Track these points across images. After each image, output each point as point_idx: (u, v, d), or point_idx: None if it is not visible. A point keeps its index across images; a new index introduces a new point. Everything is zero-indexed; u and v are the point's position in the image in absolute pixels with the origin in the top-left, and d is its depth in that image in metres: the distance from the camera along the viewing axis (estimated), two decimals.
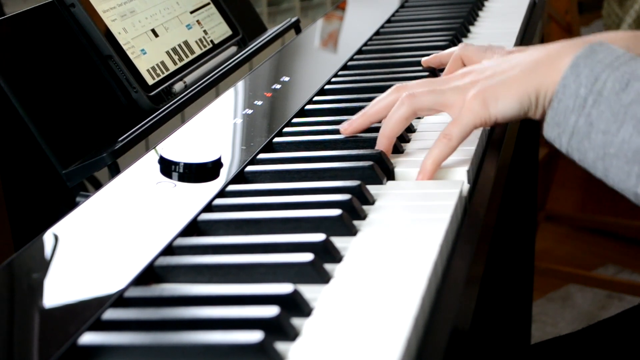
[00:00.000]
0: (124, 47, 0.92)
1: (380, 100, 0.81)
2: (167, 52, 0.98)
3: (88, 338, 0.53)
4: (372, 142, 0.81)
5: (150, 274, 0.62)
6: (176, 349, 0.51)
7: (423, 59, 1.02)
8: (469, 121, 0.74)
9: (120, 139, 0.84)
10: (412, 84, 0.80)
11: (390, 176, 0.77)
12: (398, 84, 0.81)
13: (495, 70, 0.76)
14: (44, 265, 0.62)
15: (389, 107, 0.80)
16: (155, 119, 0.88)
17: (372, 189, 0.73)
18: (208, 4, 1.10)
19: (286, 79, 1.02)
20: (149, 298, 0.58)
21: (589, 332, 0.99)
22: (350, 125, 0.82)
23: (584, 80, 0.68)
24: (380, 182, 0.74)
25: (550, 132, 0.71)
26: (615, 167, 0.67)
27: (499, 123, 0.75)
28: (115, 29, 0.92)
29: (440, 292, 0.59)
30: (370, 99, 0.94)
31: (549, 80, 0.71)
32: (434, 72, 1.02)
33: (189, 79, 0.99)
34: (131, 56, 0.92)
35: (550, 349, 1.00)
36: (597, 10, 2.75)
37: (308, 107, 0.94)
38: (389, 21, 1.34)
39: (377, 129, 0.83)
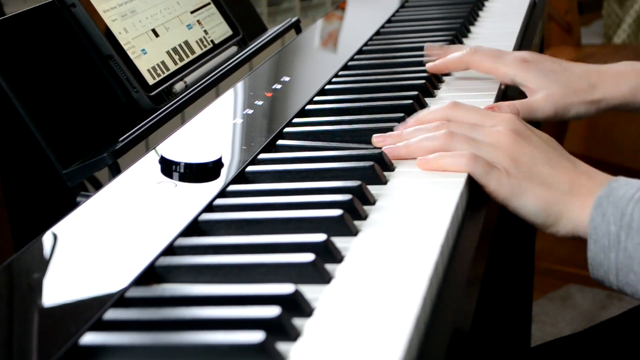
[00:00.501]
0: (125, 47, 0.92)
1: (424, 130, 0.79)
2: (168, 52, 0.98)
3: (89, 338, 0.53)
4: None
5: (151, 274, 0.62)
6: (177, 349, 0.51)
7: (429, 66, 1.01)
8: (493, 184, 0.73)
9: (120, 139, 0.84)
10: (459, 123, 0.78)
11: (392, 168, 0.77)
12: (448, 115, 0.80)
13: (536, 157, 0.75)
14: (44, 265, 0.62)
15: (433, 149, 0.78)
16: (156, 119, 0.88)
17: (373, 189, 0.72)
18: (208, 4, 1.10)
19: (286, 79, 1.02)
20: (150, 298, 0.58)
21: (589, 334, 0.99)
22: (391, 152, 0.79)
23: (611, 217, 0.70)
24: (381, 182, 0.74)
25: (596, 273, 0.72)
26: None
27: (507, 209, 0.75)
28: (115, 28, 0.92)
29: (442, 292, 0.59)
30: (370, 99, 0.95)
31: (576, 212, 0.72)
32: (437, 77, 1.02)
33: (189, 79, 0.98)
34: (132, 56, 0.92)
35: (551, 351, 1.00)
36: (597, 10, 2.75)
37: (309, 107, 0.94)
38: (389, 21, 1.34)
39: (377, 129, 0.83)
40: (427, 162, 0.75)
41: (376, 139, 0.81)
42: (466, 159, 0.74)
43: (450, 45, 1.05)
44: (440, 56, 1.01)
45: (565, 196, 0.73)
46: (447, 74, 1.04)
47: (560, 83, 0.92)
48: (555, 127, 2.21)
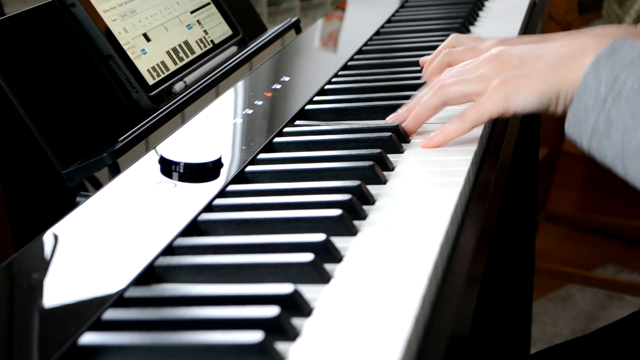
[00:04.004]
0: (124, 47, 0.92)
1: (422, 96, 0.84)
2: (168, 52, 0.98)
3: (88, 338, 0.53)
4: (372, 142, 0.81)
5: (151, 274, 0.62)
6: (176, 349, 0.51)
7: (422, 60, 1.01)
8: (487, 109, 0.77)
9: (120, 139, 0.84)
10: (449, 73, 0.83)
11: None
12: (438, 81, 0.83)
13: (522, 60, 0.77)
14: (44, 265, 0.62)
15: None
16: (156, 119, 0.88)
17: (373, 189, 0.72)
18: (208, 4, 1.10)
19: (286, 79, 1.02)
20: (149, 298, 0.58)
21: (589, 340, 0.99)
22: (406, 125, 0.84)
23: (604, 79, 0.68)
24: (380, 182, 0.74)
25: (571, 131, 0.71)
26: (634, 167, 0.67)
27: (517, 114, 0.77)
28: (115, 28, 0.92)
29: (441, 292, 0.59)
30: (370, 99, 0.95)
31: (572, 78, 0.72)
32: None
33: (189, 78, 0.99)
34: (131, 56, 0.92)
35: (550, 358, 1.00)
36: (597, 10, 2.75)
37: (308, 107, 0.94)
38: (389, 21, 1.34)
39: (378, 130, 0.84)
40: (431, 142, 0.80)
41: (391, 119, 0.86)
42: (438, 90, 0.80)
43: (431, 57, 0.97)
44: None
45: (556, 69, 0.74)
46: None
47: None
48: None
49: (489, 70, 0.78)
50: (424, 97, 0.82)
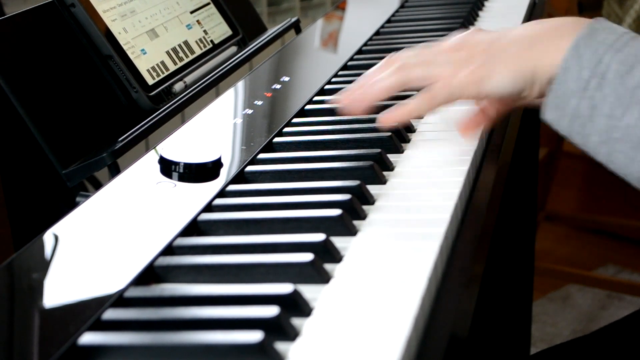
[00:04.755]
0: (124, 47, 0.92)
1: (374, 74, 0.78)
2: (167, 52, 0.98)
3: (88, 338, 0.53)
4: (372, 142, 0.81)
5: (150, 274, 0.62)
6: (176, 349, 0.51)
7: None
8: (459, 90, 0.73)
9: (120, 139, 0.84)
10: (405, 54, 0.78)
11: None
12: (391, 55, 0.79)
13: (491, 45, 0.74)
14: (44, 265, 0.62)
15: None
16: (155, 119, 0.88)
17: (372, 189, 0.73)
18: (208, 4, 1.10)
19: (286, 79, 1.02)
20: (149, 298, 0.58)
21: (588, 340, 0.99)
22: (352, 106, 0.78)
23: (586, 62, 0.67)
24: (380, 182, 0.74)
25: (549, 114, 0.69)
26: (620, 152, 0.66)
27: (490, 98, 0.74)
28: (115, 28, 0.92)
29: (440, 292, 0.59)
30: None
31: (548, 60, 0.70)
32: None
33: (189, 79, 0.99)
34: (131, 56, 0.92)
35: (550, 358, 1.00)
36: (597, 10, 2.75)
37: (308, 107, 0.94)
38: (389, 21, 1.34)
39: (379, 130, 0.83)
40: (388, 117, 0.75)
41: (339, 98, 0.79)
42: (398, 70, 0.74)
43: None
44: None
45: (530, 49, 0.71)
46: None
47: None
48: None
49: (458, 57, 0.74)
50: (379, 75, 0.76)
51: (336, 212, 0.66)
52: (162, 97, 0.93)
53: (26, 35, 0.85)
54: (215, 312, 0.55)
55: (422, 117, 0.87)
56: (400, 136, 0.83)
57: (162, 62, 0.96)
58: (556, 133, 0.72)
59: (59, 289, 0.59)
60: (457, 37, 0.77)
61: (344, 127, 0.86)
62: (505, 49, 0.73)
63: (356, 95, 0.79)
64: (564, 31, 0.70)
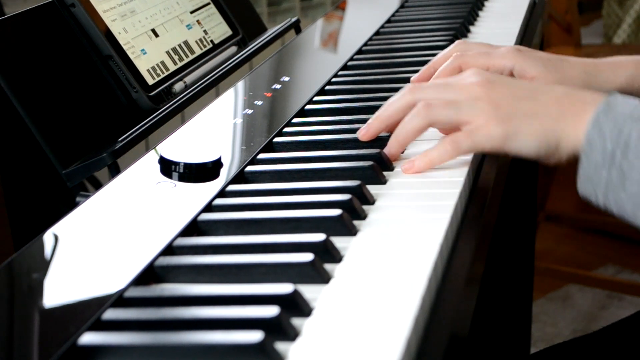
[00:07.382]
0: (124, 47, 0.92)
1: (394, 103, 0.80)
2: (167, 52, 0.98)
3: (88, 338, 0.53)
4: (372, 143, 0.81)
5: (150, 274, 0.62)
6: (176, 349, 0.51)
7: (412, 78, 0.95)
8: (483, 143, 0.74)
9: (120, 139, 0.84)
10: (427, 87, 0.79)
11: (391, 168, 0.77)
12: (411, 85, 0.80)
13: (519, 100, 0.75)
14: (44, 265, 0.62)
15: (403, 110, 0.78)
16: (155, 119, 0.88)
17: (372, 189, 0.73)
18: (208, 4, 1.10)
19: (286, 79, 1.02)
20: (149, 298, 0.58)
21: (588, 340, 0.99)
22: (368, 131, 0.81)
23: (608, 134, 0.69)
24: (380, 182, 0.74)
25: (583, 188, 0.72)
26: None
27: (510, 155, 0.76)
28: (115, 29, 0.92)
29: (440, 292, 0.59)
30: (370, 99, 0.95)
31: (572, 133, 0.72)
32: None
33: (189, 79, 0.99)
34: (131, 56, 0.92)
35: (550, 358, 1.00)
36: (597, 10, 2.75)
37: (308, 107, 0.94)
38: (389, 21, 1.34)
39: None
40: (413, 168, 0.76)
41: (362, 132, 0.81)
42: (423, 110, 0.75)
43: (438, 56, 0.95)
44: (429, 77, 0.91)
45: (557, 120, 0.73)
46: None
47: (558, 71, 0.92)
48: None
49: (482, 100, 0.75)
50: (409, 122, 0.77)
51: (336, 212, 0.66)
52: (162, 97, 0.93)
53: (26, 35, 0.85)
54: (215, 312, 0.55)
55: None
56: None
57: (162, 62, 0.96)
58: None
59: (59, 289, 0.59)
60: (479, 72, 0.77)
61: (344, 127, 0.86)
62: (532, 114, 0.74)
63: (376, 126, 0.81)
64: (587, 103, 0.73)
